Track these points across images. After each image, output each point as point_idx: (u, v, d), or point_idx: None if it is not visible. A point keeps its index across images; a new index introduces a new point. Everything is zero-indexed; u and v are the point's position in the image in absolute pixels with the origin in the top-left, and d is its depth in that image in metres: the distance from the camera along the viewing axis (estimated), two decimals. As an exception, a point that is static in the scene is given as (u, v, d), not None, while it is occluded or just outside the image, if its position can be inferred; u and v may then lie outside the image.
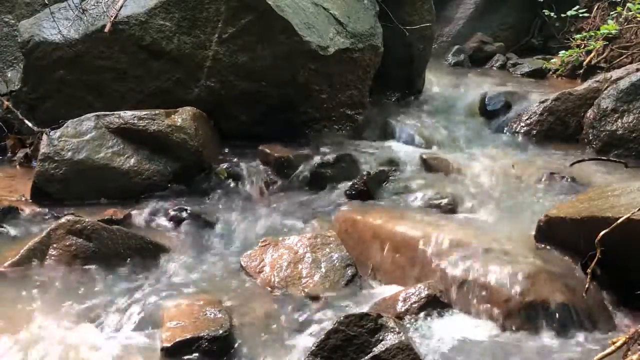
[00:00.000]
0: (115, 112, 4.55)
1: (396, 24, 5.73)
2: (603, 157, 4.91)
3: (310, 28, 4.92)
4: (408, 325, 2.98)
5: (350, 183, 4.43)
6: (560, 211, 3.43)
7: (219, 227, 4.12)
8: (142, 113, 4.52)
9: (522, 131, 5.56)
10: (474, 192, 4.32)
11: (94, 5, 5.05)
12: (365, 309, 3.12)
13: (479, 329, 3.05)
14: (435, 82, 6.58)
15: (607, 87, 5.35)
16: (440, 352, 2.88)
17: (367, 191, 4.37)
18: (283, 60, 4.86)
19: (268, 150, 4.74)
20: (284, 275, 3.49)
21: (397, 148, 5.10)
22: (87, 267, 3.57)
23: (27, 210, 4.16)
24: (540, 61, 7.61)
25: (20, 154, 5.07)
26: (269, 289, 3.45)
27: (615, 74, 5.58)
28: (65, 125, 4.51)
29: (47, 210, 4.18)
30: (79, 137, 4.43)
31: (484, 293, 3.14)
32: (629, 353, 2.63)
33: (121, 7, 4.89)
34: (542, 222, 3.48)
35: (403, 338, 2.64)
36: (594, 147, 5.19)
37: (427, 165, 4.75)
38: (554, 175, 4.48)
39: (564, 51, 6.93)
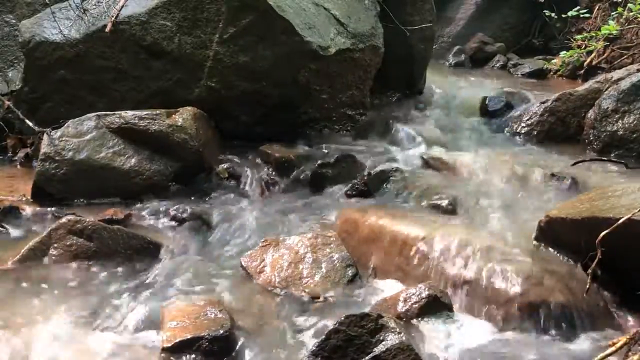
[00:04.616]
0: (116, 112, 4.55)
1: (397, 24, 5.73)
2: (604, 158, 4.90)
3: (311, 28, 4.92)
4: (408, 326, 2.98)
5: (350, 183, 4.43)
6: (560, 211, 3.43)
7: (220, 227, 4.12)
8: (143, 113, 4.53)
9: (522, 131, 5.56)
10: (474, 192, 4.32)
11: (95, 5, 5.05)
12: (365, 309, 3.12)
13: (480, 329, 3.04)
14: (436, 83, 6.58)
15: (608, 87, 5.34)
16: (441, 352, 2.88)
17: (368, 191, 4.37)
18: (284, 60, 4.86)
19: (269, 151, 4.74)
20: (285, 276, 3.49)
21: (398, 148, 5.11)
22: (87, 266, 3.58)
23: (27, 210, 4.16)
24: (541, 62, 7.63)
25: (21, 153, 5.08)
26: (270, 289, 3.45)
27: (616, 74, 5.58)
28: (66, 125, 4.51)
29: (47, 210, 4.18)
30: (80, 137, 4.44)
31: (484, 293, 3.14)
32: (630, 354, 2.63)
33: (122, 7, 4.90)
34: (542, 223, 3.48)
35: (404, 338, 2.63)
36: (594, 148, 5.19)
37: (428, 166, 4.75)
38: (555, 175, 4.48)
39: (564, 52, 6.93)
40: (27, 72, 5.14)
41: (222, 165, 4.62)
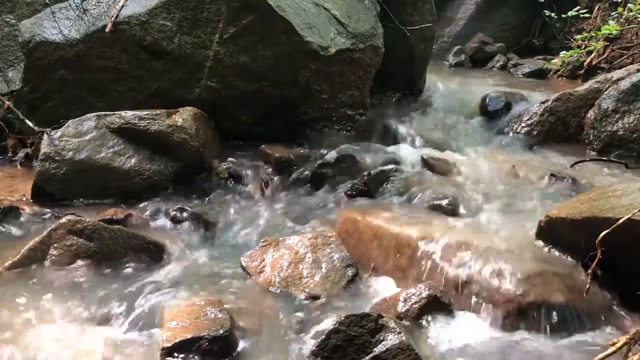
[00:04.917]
0: (116, 112, 4.55)
1: (397, 24, 5.73)
2: (604, 158, 4.91)
3: (311, 28, 4.93)
4: (409, 326, 2.98)
5: (350, 183, 4.43)
6: (561, 211, 3.43)
7: (220, 227, 4.13)
8: (143, 113, 4.53)
9: (522, 131, 5.56)
10: (474, 192, 4.32)
11: (95, 5, 5.05)
12: (365, 309, 3.12)
13: (480, 329, 3.04)
14: (436, 83, 6.58)
15: (608, 87, 5.35)
16: (441, 352, 2.88)
17: (368, 191, 4.37)
18: (284, 60, 4.86)
19: (269, 150, 4.74)
20: (285, 275, 3.49)
21: (398, 148, 5.10)
22: (87, 267, 3.57)
23: (27, 210, 4.16)
24: (541, 62, 7.63)
25: (21, 153, 5.09)
26: (270, 289, 3.45)
27: (616, 74, 5.59)
28: (66, 125, 4.52)
29: (47, 210, 4.18)
30: (80, 137, 4.44)
31: (484, 293, 3.14)
32: (630, 354, 2.63)
33: (122, 7, 4.89)
34: (542, 223, 3.48)
35: (404, 338, 2.64)
36: (594, 148, 5.20)
37: (428, 166, 4.74)
38: (555, 175, 4.48)
39: (564, 52, 6.93)
40: (27, 72, 5.14)
41: (222, 165, 4.61)
